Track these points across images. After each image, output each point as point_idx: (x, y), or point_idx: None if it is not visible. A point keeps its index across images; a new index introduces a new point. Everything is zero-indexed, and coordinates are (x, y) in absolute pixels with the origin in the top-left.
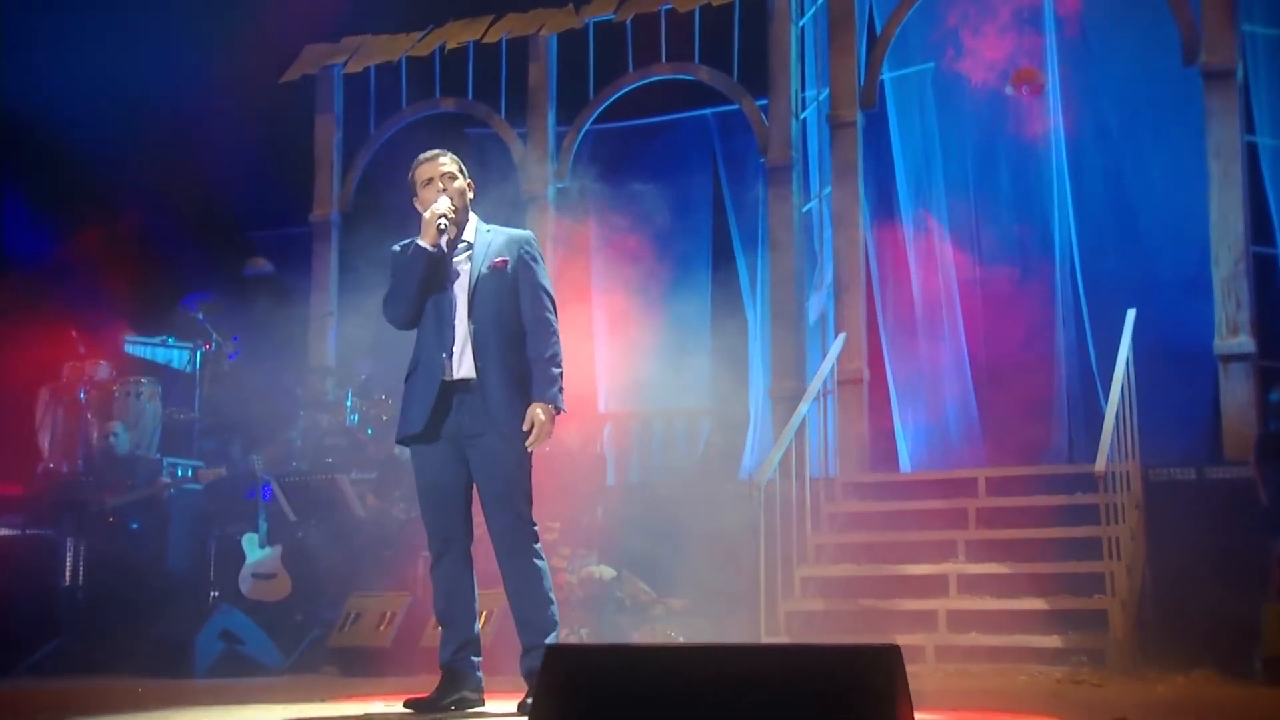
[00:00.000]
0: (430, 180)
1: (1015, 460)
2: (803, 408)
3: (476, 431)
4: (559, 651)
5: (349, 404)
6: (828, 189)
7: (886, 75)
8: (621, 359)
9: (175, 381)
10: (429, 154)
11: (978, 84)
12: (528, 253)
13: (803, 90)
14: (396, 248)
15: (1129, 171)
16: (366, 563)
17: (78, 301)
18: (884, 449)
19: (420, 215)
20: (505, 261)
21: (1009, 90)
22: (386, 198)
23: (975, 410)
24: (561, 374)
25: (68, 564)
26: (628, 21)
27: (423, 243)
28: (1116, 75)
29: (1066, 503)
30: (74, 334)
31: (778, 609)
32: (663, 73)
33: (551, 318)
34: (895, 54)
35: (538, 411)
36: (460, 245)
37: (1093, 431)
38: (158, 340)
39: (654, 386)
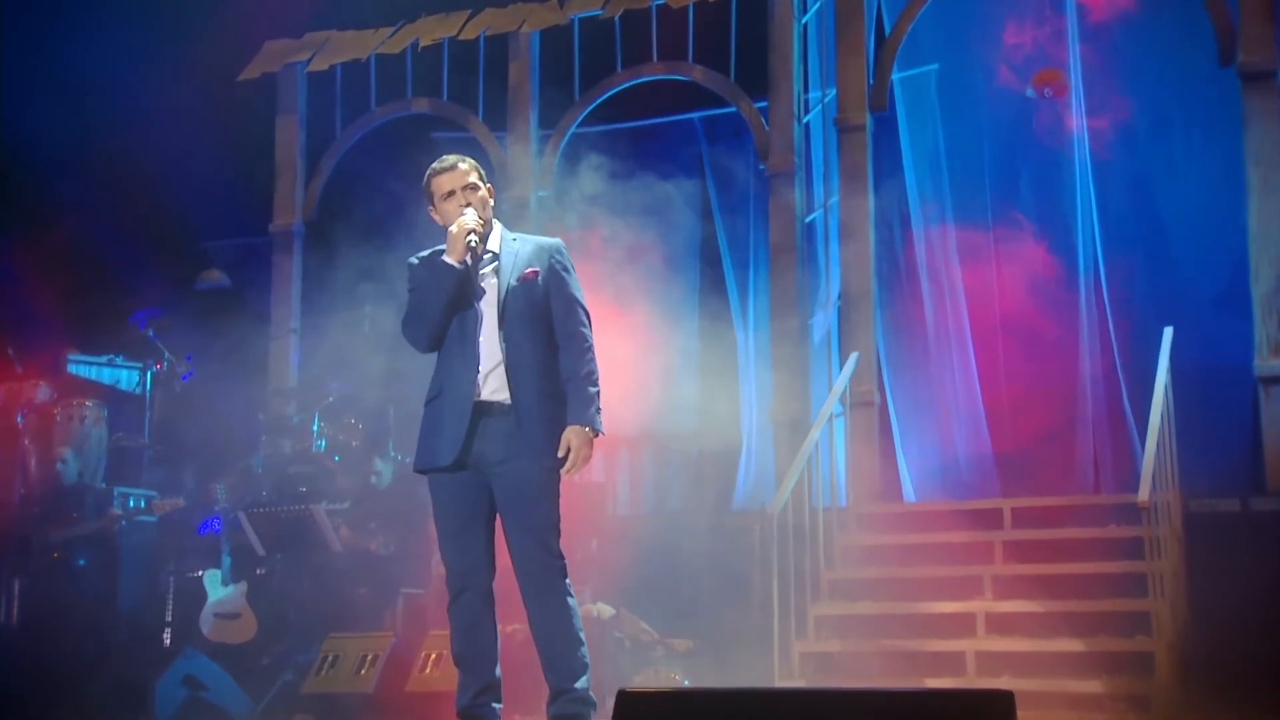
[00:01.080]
0: (451, 192)
1: (1032, 490)
2: (814, 433)
3: (504, 457)
4: (632, 698)
5: (315, 428)
6: (834, 198)
7: (896, 76)
8: (604, 379)
9: (122, 404)
10: (447, 163)
11: (995, 86)
12: (559, 262)
13: (805, 92)
14: (415, 261)
15: (1159, 180)
16: (340, 601)
17: (13, 316)
18: (887, 478)
19: (437, 226)
20: (535, 272)
21: (1029, 93)
22: (354, 206)
23: (988, 437)
24: (598, 393)
25: (3, 604)
26: (616, 18)
27: (450, 260)
28: (1145, 77)
29: (1101, 536)
30: (9, 352)
31: (791, 650)
32: (654, 73)
33: (587, 332)
34: (906, 53)
35: (573, 436)
36: (485, 256)
37: (1121, 460)
38: (103, 359)
39: (639, 409)
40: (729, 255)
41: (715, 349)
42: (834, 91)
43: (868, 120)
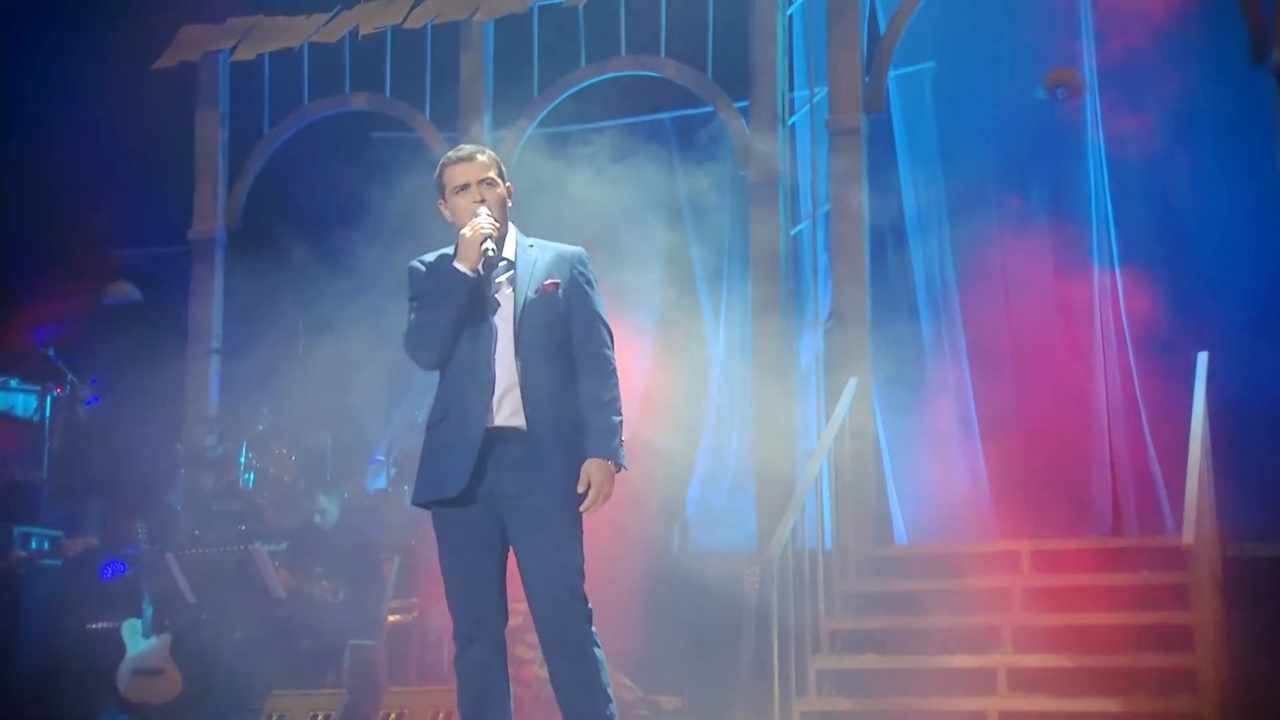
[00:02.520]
0: (465, 186)
1: (1040, 531)
2: (815, 465)
3: (520, 490)
4: None
5: (242, 460)
6: (824, 208)
7: (892, 73)
8: None
9: (19, 432)
10: (463, 152)
11: (1001, 85)
12: (581, 274)
13: (790, 90)
14: (419, 266)
15: (1184, 189)
16: (281, 655)
17: None
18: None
19: (443, 218)
20: (555, 284)
21: (1041, 93)
22: (283, 211)
23: (986, 471)
24: (622, 423)
25: None
26: (580, 6)
27: (462, 267)
28: (1169, 75)
29: (1133, 583)
30: None
31: (791, 708)
32: (623, 68)
33: (610, 354)
34: (903, 48)
35: (594, 470)
36: (501, 262)
37: (1145, 498)
38: None
39: None
40: (702, 271)
41: (685, 372)
42: (824, 90)
43: (862, 122)
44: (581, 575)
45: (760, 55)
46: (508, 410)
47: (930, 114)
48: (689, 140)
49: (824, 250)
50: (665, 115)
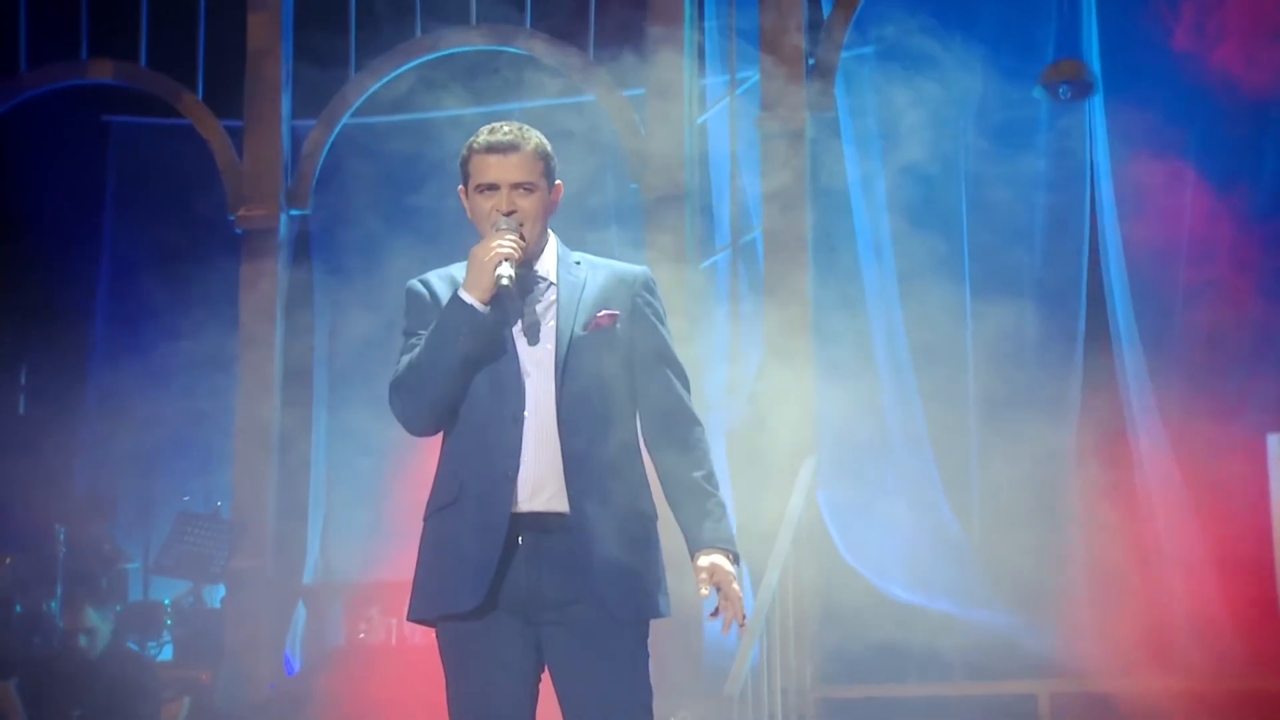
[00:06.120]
0: (494, 187)
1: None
2: (771, 577)
3: (565, 599)
4: None
5: None
6: (750, 235)
7: (841, 57)
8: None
9: None
10: (499, 137)
11: (987, 79)
12: (647, 302)
13: (702, 77)
14: (421, 289)
15: (1219, 211)
16: None
17: None
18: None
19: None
20: (613, 316)
21: (1038, 92)
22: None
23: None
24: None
25: None
26: None
27: (468, 296)
28: (1191, 73)
29: None
30: None
31: None
32: (472, 42)
33: (694, 411)
34: (858, 29)
35: (720, 565)
36: (537, 284)
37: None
38: None
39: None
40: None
41: None
42: (751, 77)
43: (807, 122)
44: (650, 714)
45: (660, 30)
46: (547, 490)
47: (887, 110)
48: (562, 137)
49: (748, 290)
50: (528, 105)
